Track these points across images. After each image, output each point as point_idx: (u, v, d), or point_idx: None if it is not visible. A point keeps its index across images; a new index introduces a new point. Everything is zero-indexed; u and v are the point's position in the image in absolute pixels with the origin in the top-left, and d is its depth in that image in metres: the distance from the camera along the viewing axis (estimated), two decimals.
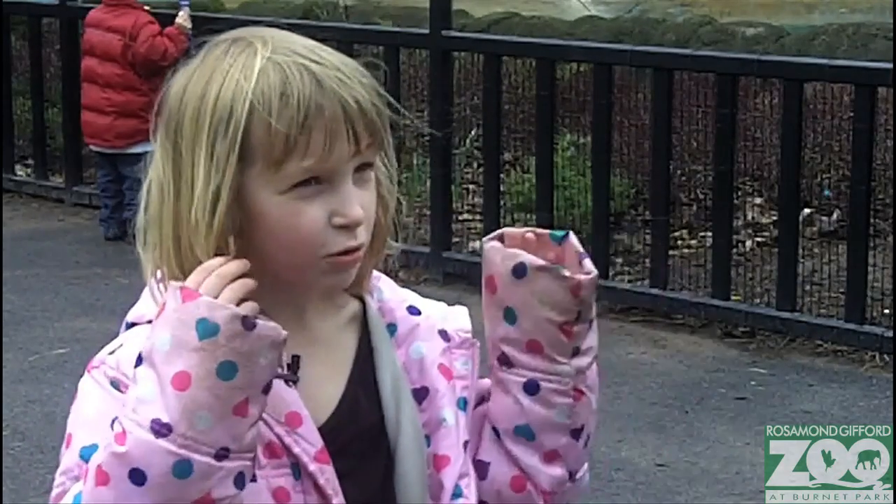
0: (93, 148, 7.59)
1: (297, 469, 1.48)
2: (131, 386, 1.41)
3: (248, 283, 1.41)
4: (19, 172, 8.54)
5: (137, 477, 1.37)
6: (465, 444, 1.60)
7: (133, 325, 1.53)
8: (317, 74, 1.44)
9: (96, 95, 7.38)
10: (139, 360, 1.40)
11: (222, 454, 1.38)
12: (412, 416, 1.56)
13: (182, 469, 1.36)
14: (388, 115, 1.50)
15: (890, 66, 5.69)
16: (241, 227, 1.45)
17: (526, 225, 6.32)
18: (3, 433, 4.95)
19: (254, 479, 1.43)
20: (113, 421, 1.42)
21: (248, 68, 1.44)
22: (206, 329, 1.36)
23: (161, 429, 1.36)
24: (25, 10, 8.57)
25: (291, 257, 1.46)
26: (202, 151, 1.44)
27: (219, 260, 1.42)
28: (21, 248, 7.27)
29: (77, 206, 8.10)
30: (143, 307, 1.53)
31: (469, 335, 1.64)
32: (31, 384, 5.43)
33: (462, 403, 1.60)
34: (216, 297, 1.38)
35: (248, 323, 1.37)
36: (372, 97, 1.47)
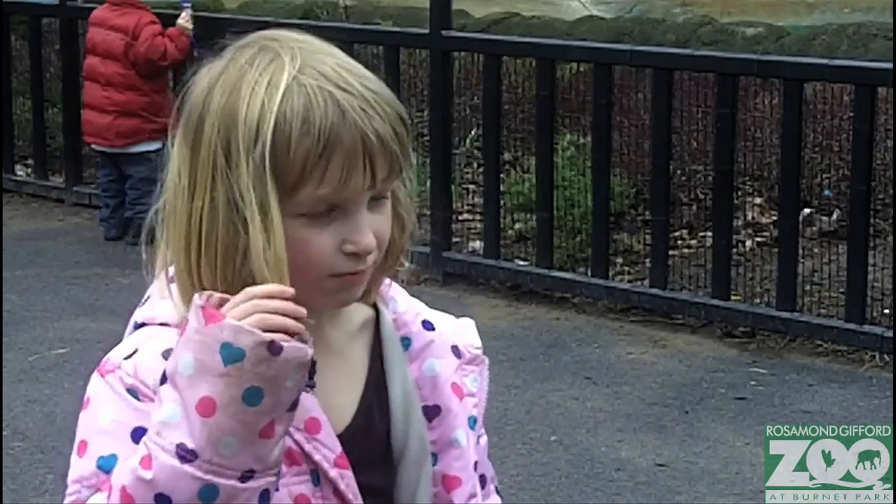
0: (94, 147, 7.60)
1: (317, 475, 1.48)
2: (156, 405, 1.39)
3: (276, 305, 1.37)
4: (19, 172, 8.53)
5: (163, 501, 1.36)
6: (475, 464, 1.61)
7: (142, 325, 1.51)
8: (341, 103, 1.41)
9: (97, 94, 7.38)
10: (163, 378, 1.39)
11: (247, 476, 1.37)
12: (420, 432, 1.56)
13: (208, 493, 1.36)
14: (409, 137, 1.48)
15: (890, 66, 5.69)
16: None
17: (526, 225, 6.28)
18: (3, 433, 4.95)
19: (276, 488, 1.43)
20: (133, 431, 1.42)
21: (274, 87, 1.41)
22: (231, 354, 1.34)
23: (186, 454, 1.35)
24: (25, 10, 8.56)
25: (299, 277, 1.44)
26: (238, 168, 1.41)
27: (264, 288, 1.38)
28: (21, 248, 7.27)
29: (77, 206, 8.10)
30: (153, 307, 1.51)
31: (479, 351, 1.64)
32: (31, 384, 5.43)
33: (472, 422, 1.61)
34: (243, 320, 1.36)
35: (274, 347, 1.34)
36: (395, 127, 1.44)
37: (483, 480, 1.65)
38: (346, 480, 1.49)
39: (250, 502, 1.38)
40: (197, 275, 1.45)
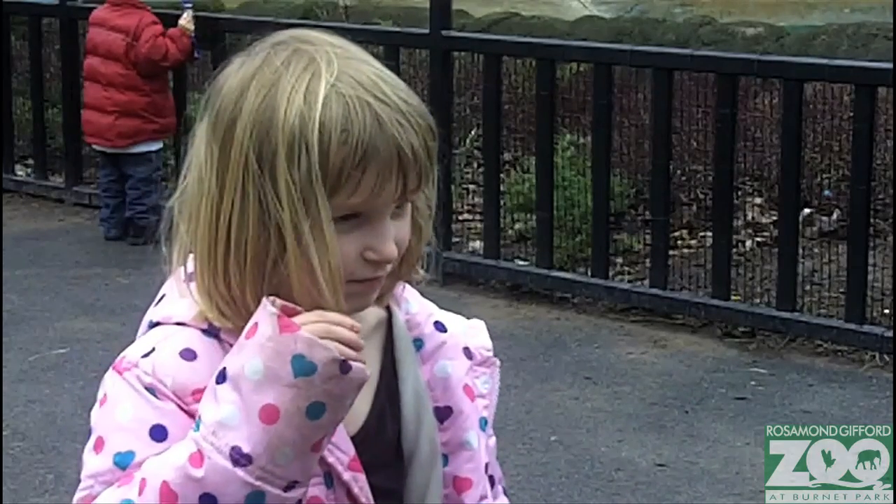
0: (95, 147, 7.60)
1: (330, 478, 1.48)
2: (208, 403, 1.39)
3: (346, 335, 1.39)
4: (19, 172, 8.54)
5: (208, 501, 1.37)
6: (486, 465, 1.61)
7: (157, 324, 1.50)
8: (379, 115, 1.41)
9: (98, 94, 7.38)
10: (221, 378, 1.39)
11: (291, 486, 1.39)
12: (431, 434, 1.56)
13: (255, 499, 1.37)
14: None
15: (890, 66, 5.69)
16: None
17: (526, 225, 6.25)
18: (3, 433, 4.95)
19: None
20: (152, 429, 1.42)
21: (312, 94, 1.40)
22: (303, 367, 1.35)
23: (241, 458, 1.36)
24: (25, 10, 8.56)
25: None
26: (274, 173, 1.40)
27: (339, 318, 1.40)
28: (21, 248, 7.27)
29: (77, 206, 8.10)
30: (169, 306, 1.51)
31: (490, 353, 1.64)
32: (31, 384, 5.42)
33: (483, 423, 1.61)
34: (318, 335, 1.37)
35: (345, 366, 1.36)
36: (426, 140, 1.45)
37: (491, 481, 1.65)
38: (360, 483, 1.49)
39: None
40: (224, 275, 1.44)
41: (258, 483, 1.37)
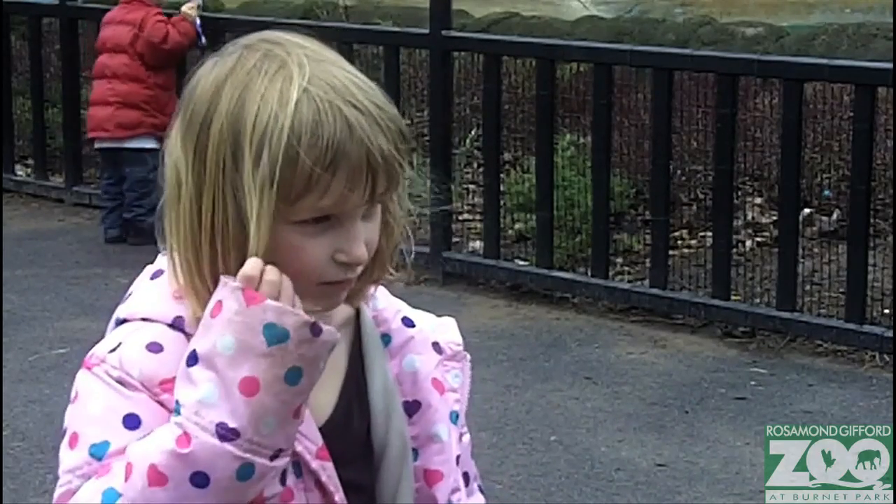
0: (96, 145, 7.59)
1: (299, 467, 1.49)
2: (185, 386, 1.41)
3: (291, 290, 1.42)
4: (19, 172, 8.54)
5: (200, 479, 1.38)
6: (458, 458, 1.62)
7: (124, 321, 1.53)
8: (349, 119, 1.43)
9: (102, 88, 7.43)
10: (192, 360, 1.40)
11: (275, 455, 1.41)
12: (400, 429, 1.57)
13: (245, 472, 1.39)
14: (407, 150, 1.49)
15: (890, 66, 5.69)
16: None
17: (526, 225, 6.27)
18: (3, 433, 4.95)
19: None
20: (124, 418, 1.44)
21: (284, 97, 1.42)
22: (276, 335, 1.38)
23: (228, 433, 1.38)
24: (25, 10, 8.57)
25: None
26: (243, 174, 1.43)
27: (257, 264, 1.42)
28: (21, 248, 7.27)
29: (77, 206, 8.10)
30: (135, 303, 1.53)
31: (460, 348, 1.66)
32: (31, 384, 5.43)
33: (454, 417, 1.62)
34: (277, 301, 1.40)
35: (315, 329, 1.39)
36: (397, 144, 1.46)
37: (466, 478, 1.66)
38: (328, 472, 1.50)
39: (274, 481, 1.43)
40: (210, 272, 1.46)
41: (247, 455, 1.38)
